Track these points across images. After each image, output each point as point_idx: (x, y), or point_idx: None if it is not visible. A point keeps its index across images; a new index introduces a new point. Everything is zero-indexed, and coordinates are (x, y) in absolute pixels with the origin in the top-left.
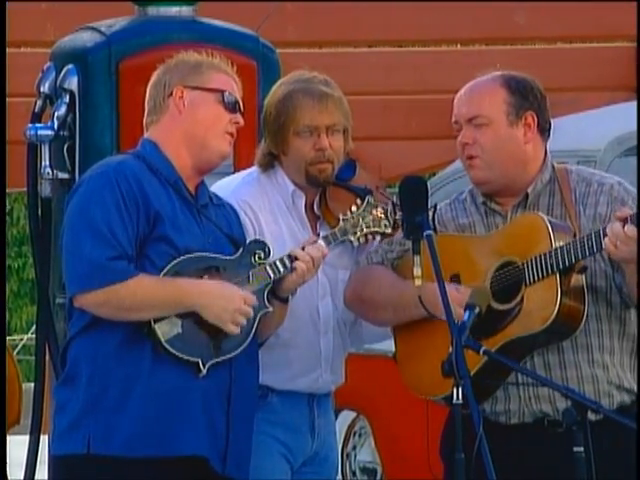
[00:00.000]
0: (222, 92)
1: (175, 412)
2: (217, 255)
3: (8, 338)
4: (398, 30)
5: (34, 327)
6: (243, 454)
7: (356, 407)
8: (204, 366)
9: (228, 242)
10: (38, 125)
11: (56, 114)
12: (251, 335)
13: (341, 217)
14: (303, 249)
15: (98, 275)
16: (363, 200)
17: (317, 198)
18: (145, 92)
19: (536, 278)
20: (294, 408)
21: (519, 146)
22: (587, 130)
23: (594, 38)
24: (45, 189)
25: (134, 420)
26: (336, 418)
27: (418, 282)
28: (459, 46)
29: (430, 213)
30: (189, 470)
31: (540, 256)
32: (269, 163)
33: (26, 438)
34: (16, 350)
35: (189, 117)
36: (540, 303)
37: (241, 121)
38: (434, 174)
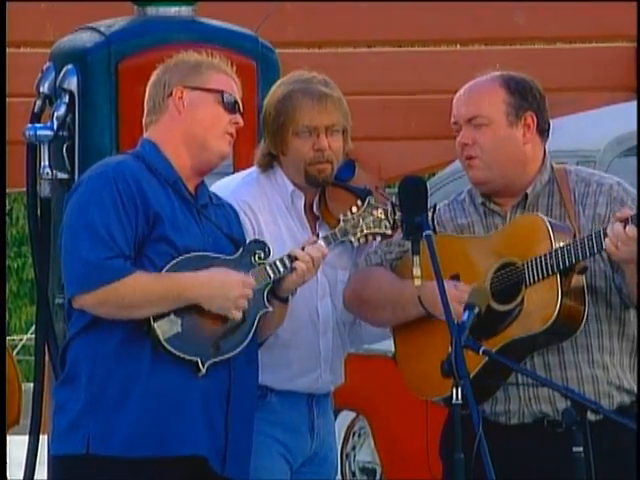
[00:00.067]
0: (221, 92)
1: (174, 412)
2: (217, 255)
3: (7, 338)
4: (397, 30)
5: (33, 327)
6: (243, 454)
7: (355, 407)
8: (203, 365)
9: (228, 242)
10: (37, 125)
11: (55, 114)
12: (250, 335)
13: (342, 217)
14: (303, 249)
15: (95, 275)
16: (363, 201)
17: (316, 198)
18: (144, 92)
19: (536, 279)
20: (293, 408)
21: (518, 147)
22: (587, 130)
23: (594, 38)
24: (44, 189)
25: (133, 420)
26: (335, 418)
27: (417, 282)
28: (458, 46)
29: (429, 213)
30: (188, 470)
31: (540, 257)
32: (268, 163)
33: (25, 438)
34: (15, 350)
35: (189, 117)
36: (540, 304)
37: (240, 121)
38: (433, 174)
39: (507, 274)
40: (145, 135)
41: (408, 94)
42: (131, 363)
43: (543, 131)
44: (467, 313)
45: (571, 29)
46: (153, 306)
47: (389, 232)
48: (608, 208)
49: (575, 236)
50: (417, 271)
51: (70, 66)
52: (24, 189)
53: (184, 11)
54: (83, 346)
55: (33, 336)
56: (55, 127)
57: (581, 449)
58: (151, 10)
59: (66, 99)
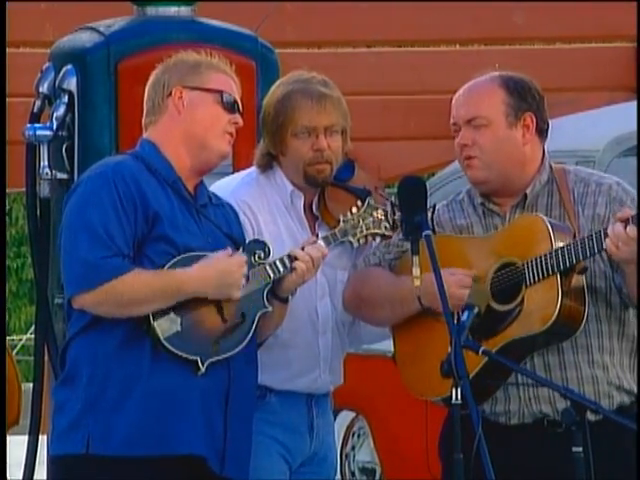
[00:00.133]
0: (221, 92)
1: (174, 411)
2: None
3: (7, 338)
4: (397, 30)
5: (33, 327)
6: (242, 454)
7: (355, 407)
8: (203, 364)
9: (228, 242)
10: (37, 125)
11: (55, 114)
12: (250, 334)
13: (341, 218)
14: (303, 249)
15: (94, 274)
16: (363, 201)
17: (316, 198)
18: (144, 92)
19: (536, 279)
20: (293, 408)
21: (518, 147)
22: (586, 130)
23: (593, 38)
24: (44, 189)
25: (133, 420)
26: (335, 418)
27: (417, 282)
28: (458, 46)
29: (429, 213)
30: (187, 469)
31: (540, 257)
32: (268, 163)
33: (25, 438)
34: (15, 350)
35: (188, 117)
36: (540, 304)
37: (240, 121)
38: (433, 174)
39: (507, 274)
40: (144, 135)
41: (408, 94)
42: (131, 363)
43: (542, 131)
44: (467, 313)
45: (570, 29)
46: (152, 302)
47: (389, 233)
48: (607, 208)
49: (575, 236)
50: (416, 271)
51: (69, 66)
52: (23, 189)
53: (183, 11)
54: (83, 346)
55: (33, 336)
56: (54, 127)
57: (581, 449)
58: (151, 10)
59: (65, 99)
